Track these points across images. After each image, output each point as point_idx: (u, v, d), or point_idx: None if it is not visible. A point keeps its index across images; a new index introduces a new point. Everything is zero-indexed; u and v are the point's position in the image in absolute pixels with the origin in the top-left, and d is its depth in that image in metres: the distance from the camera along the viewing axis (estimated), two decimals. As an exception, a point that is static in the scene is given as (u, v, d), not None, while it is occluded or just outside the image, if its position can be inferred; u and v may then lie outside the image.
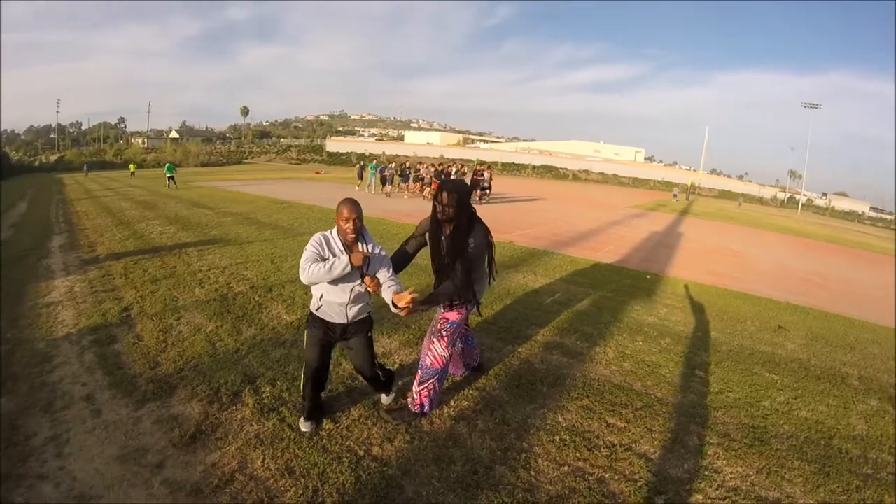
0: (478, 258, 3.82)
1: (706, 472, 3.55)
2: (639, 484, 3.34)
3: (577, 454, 3.61)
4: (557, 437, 3.80)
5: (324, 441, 3.55)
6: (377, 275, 3.48)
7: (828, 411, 4.74)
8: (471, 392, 4.39)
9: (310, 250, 3.40)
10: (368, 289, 3.46)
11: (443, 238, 3.83)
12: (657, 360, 5.50)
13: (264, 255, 9.24)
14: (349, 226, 3.38)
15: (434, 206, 3.79)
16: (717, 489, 3.38)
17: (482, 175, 23.92)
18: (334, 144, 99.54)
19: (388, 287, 3.44)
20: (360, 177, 28.94)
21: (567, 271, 9.51)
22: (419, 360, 4.04)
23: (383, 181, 25.91)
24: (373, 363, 3.81)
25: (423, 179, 24.07)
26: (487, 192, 24.12)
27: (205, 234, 11.52)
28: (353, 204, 3.42)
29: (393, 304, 3.35)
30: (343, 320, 3.61)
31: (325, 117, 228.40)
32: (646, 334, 6.34)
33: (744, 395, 4.86)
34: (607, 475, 3.41)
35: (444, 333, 3.89)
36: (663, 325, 6.84)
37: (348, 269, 3.31)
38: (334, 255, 3.38)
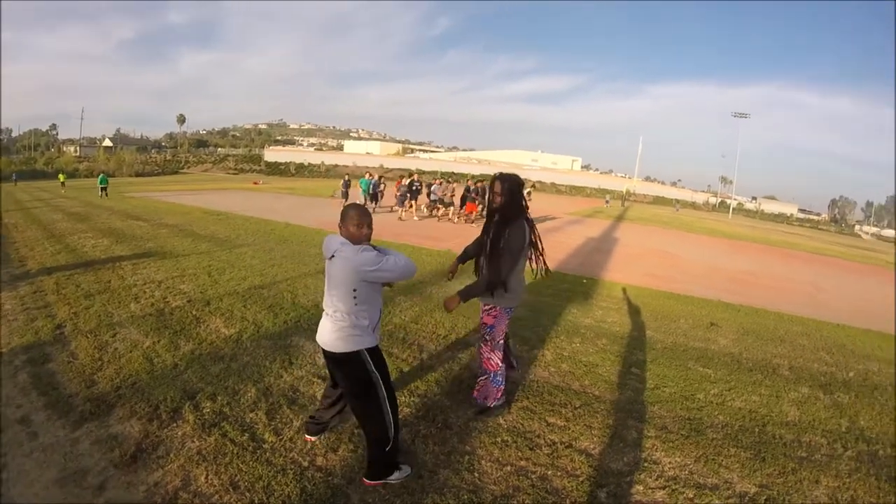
0: (508, 252, 3.81)
1: (646, 464, 3.69)
2: (581, 479, 3.45)
3: (520, 454, 3.70)
4: (499, 439, 3.87)
5: (267, 454, 3.52)
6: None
7: (760, 400, 5.00)
8: (412, 399, 4.43)
9: (373, 252, 3.08)
10: None
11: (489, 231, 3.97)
12: (594, 360, 5.67)
13: (201, 268, 9.04)
14: (366, 231, 3.18)
15: (488, 196, 3.95)
16: (656, 479, 3.52)
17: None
18: (273, 154, 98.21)
19: None
20: (345, 195, 24.02)
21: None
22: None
23: (374, 198, 22.04)
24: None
25: (441, 200, 20.86)
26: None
27: (139, 246, 11.16)
28: (364, 210, 3.26)
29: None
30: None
31: (264, 126, 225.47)
32: (583, 336, 6.51)
33: (679, 389, 5.07)
34: (550, 472, 3.50)
35: (487, 338, 4.06)
36: (599, 326, 7.05)
37: None
38: None
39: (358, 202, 20.30)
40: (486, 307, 4.05)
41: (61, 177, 45.56)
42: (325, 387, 3.89)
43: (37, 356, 5.03)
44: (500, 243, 3.82)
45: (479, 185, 20.65)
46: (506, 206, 3.88)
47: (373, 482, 3.26)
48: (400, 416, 3.99)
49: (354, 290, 3.09)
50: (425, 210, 21.23)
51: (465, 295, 3.87)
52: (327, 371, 3.69)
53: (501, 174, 3.96)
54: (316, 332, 3.34)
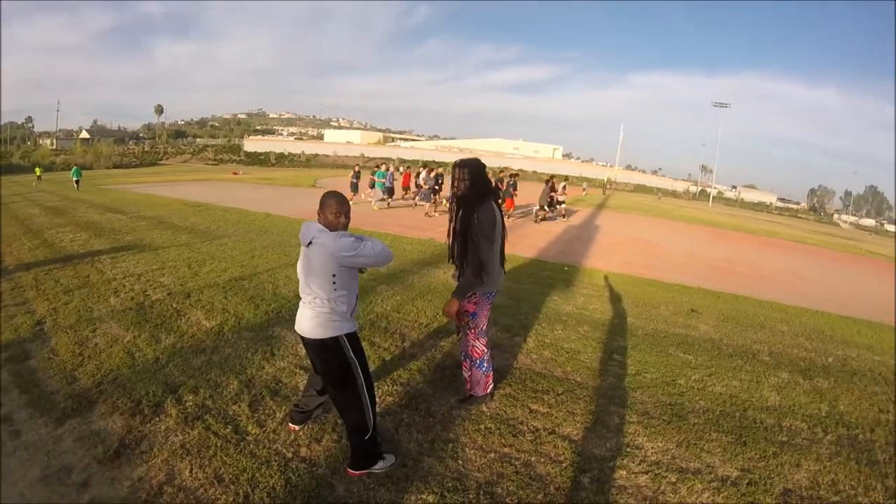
0: (482, 235, 3.80)
1: (628, 449, 3.74)
2: (564, 465, 3.49)
3: (503, 441, 3.73)
4: (483, 426, 3.90)
5: (251, 446, 3.52)
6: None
7: (741, 385, 5.08)
8: (395, 388, 4.44)
9: (351, 239, 3.09)
10: None
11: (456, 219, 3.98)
12: (576, 347, 5.72)
13: (181, 261, 8.97)
14: (343, 220, 3.20)
15: (451, 184, 3.99)
16: (639, 464, 3.57)
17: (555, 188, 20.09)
18: (252, 144, 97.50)
19: None
20: (355, 188, 20.97)
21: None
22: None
23: (390, 192, 20.59)
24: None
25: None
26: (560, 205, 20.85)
27: (118, 240, 11.03)
28: (343, 198, 3.25)
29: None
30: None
31: (243, 116, 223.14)
32: (565, 323, 6.57)
33: (660, 375, 5.13)
34: (533, 458, 3.54)
35: (471, 326, 4.04)
36: (581, 313, 7.10)
37: None
38: None
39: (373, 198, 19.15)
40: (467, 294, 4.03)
41: (38, 170, 44.88)
42: (308, 376, 3.88)
43: (17, 353, 4.97)
44: (473, 228, 3.81)
45: (514, 177, 19.79)
46: (470, 190, 3.89)
47: (356, 472, 3.27)
48: (382, 405, 4.07)
49: (333, 276, 3.10)
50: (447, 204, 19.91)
51: (460, 293, 3.90)
52: (309, 360, 3.67)
53: (460, 160, 3.99)
54: None
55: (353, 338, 3.28)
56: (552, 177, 20.57)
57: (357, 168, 22.15)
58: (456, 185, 3.96)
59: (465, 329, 4.11)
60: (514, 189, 19.05)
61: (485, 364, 4.12)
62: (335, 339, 3.19)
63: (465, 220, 3.89)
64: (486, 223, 3.80)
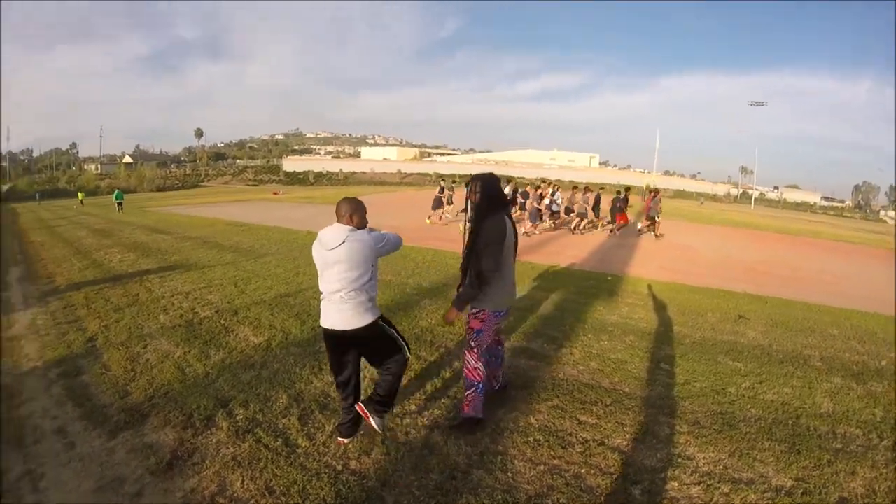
0: (487, 244, 3.76)
1: (679, 460, 3.66)
2: (615, 476, 3.43)
3: (552, 452, 3.69)
4: (531, 438, 3.86)
5: (301, 458, 3.55)
6: None
7: (793, 392, 4.94)
8: (443, 401, 4.43)
9: (370, 235, 3.57)
10: None
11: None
12: (623, 357, 5.63)
13: (227, 279, 9.15)
14: (366, 220, 3.68)
15: (466, 198, 4.06)
16: (691, 475, 3.49)
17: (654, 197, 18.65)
18: (291, 164, 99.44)
19: None
20: (439, 204, 19.89)
21: (529, 277, 9.65)
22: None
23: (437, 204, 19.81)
24: None
25: (570, 209, 18.63)
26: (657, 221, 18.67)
27: (165, 259, 11.33)
28: (361, 202, 3.68)
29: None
30: None
31: (281, 136, 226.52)
32: (610, 333, 6.47)
33: (710, 383, 5.02)
34: (583, 470, 3.49)
35: (473, 344, 3.94)
36: (626, 322, 7.00)
37: None
38: None
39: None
40: (474, 310, 3.93)
41: (80, 195, 46.69)
42: (336, 384, 3.89)
43: (70, 369, 5.14)
44: (480, 238, 3.79)
45: (627, 192, 19.36)
46: (481, 202, 3.88)
47: (381, 414, 3.73)
48: (430, 418, 4.14)
49: (372, 267, 3.56)
50: (548, 221, 18.80)
51: (460, 302, 3.86)
52: (332, 365, 3.78)
53: (475, 175, 4.02)
54: None
55: (382, 317, 3.76)
56: (627, 189, 19.98)
57: (442, 183, 21.51)
58: (471, 197, 3.97)
59: (465, 348, 4.02)
60: (626, 203, 18.63)
61: (481, 387, 4.00)
62: (377, 320, 3.64)
63: (474, 231, 3.88)
64: (492, 234, 3.76)
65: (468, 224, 4.07)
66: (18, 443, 3.81)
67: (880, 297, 10.45)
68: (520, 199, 18.57)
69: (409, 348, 3.87)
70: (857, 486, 3.48)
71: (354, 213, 3.58)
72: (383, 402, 3.75)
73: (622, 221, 18.24)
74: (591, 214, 18.90)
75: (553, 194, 18.58)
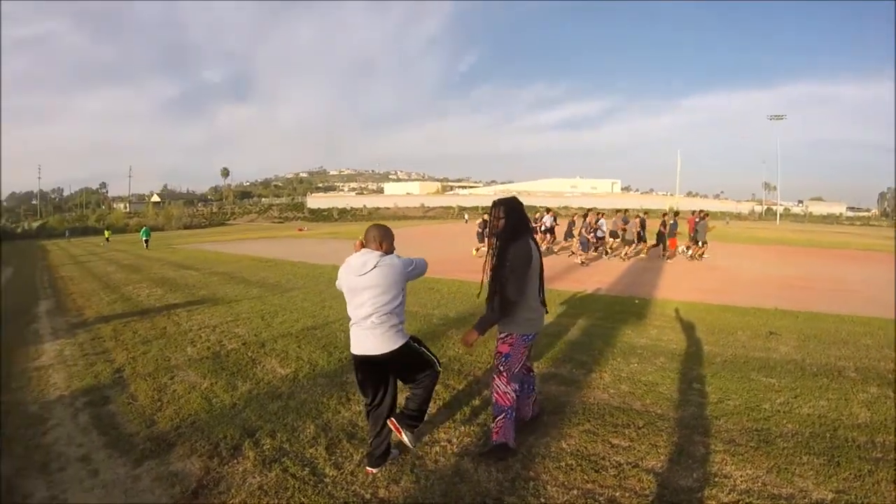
0: (513, 270, 3.73)
1: (716, 479, 3.55)
2: (651, 498, 3.34)
3: (585, 476, 3.59)
4: (563, 463, 3.77)
5: (329, 487, 3.50)
6: None
7: (829, 405, 4.82)
8: (472, 428, 4.37)
9: (402, 260, 3.69)
10: None
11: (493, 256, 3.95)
12: (654, 379, 5.53)
13: (254, 312, 9.22)
14: (394, 246, 3.80)
15: (489, 223, 4.02)
16: (728, 493, 3.38)
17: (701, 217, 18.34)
18: (315, 201, 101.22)
19: None
20: (482, 238, 18.64)
21: (556, 304, 9.54)
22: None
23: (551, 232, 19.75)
24: None
25: (615, 234, 18.41)
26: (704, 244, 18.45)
27: (192, 294, 11.48)
28: (389, 229, 3.85)
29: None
30: None
31: (305, 174, 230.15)
32: (639, 356, 6.38)
33: (743, 401, 4.91)
34: (618, 493, 3.39)
35: (502, 368, 3.89)
36: (656, 345, 6.89)
37: None
38: None
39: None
40: (502, 335, 3.91)
41: (107, 233, 48.15)
42: (365, 412, 3.88)
43: (97, 398, 5.20)
44: (505, 263, 3.76)
45: (676, 218, 19.17)
46: (505, 227, 3.86)
47: (412, 428, 3.76)
48: (459, 445, 4.08)
49: (402, 291, 3.65)
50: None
51: (482, 326, 3.80)
52: (364, 390, 3.80)
53: (498, 199, 4.01)
54: None
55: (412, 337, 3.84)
56: (676, 213, 19.73)
57: (485, 218, 20.01)
58: (493, 223, 3.94)
59: (494, 373, 3.96)
60: (677, 228, 18.49)
61: (511, 412, 3.92)
62: (408, 342, 3.71)
63: (499, 256, 3.84)
64: (518, 259, 3.74)
65: (492, 249, 3.98)
66: (43, 468, 3.83)
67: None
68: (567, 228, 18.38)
69: (439, 362, 3.91)
70: None
71: (384, 240, 3.68)
72: (414, 417, 3.79)
73: (673, 248, 18.18)
74: (635, 239, 18.61)
75: (597, 221, 18.39)
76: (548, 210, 20.58)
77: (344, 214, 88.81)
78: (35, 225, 78.35)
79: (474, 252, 18.65)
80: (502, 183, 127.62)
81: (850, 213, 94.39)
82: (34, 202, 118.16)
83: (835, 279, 14.15)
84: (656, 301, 10.21)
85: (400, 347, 3.61)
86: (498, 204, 3.96)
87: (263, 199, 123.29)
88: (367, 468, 3.70)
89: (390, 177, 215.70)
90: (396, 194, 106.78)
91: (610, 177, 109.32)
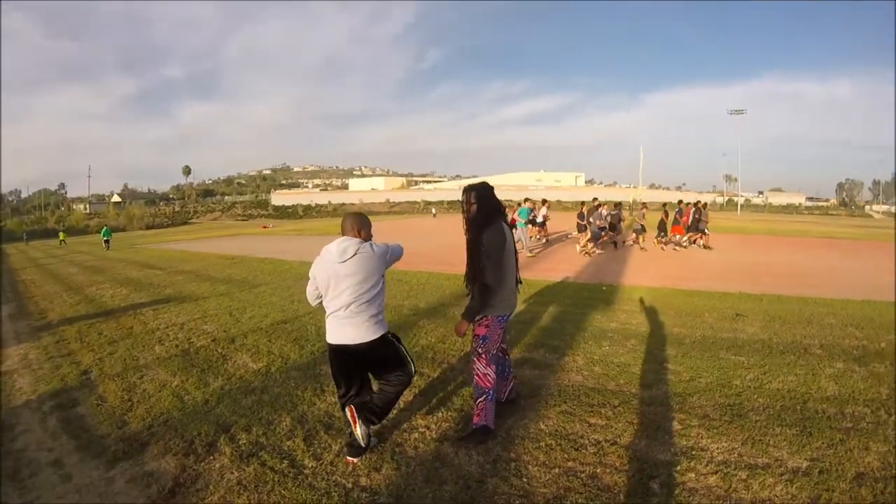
0: (488, 254, 3.75)
1: (693, 452, 3.63)
2: (631, 473, 3.39)
3: (566, 455, 3.63)
4: (543, 443, 3.81)
5: (309, 479, 3.46)
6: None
7: (797, 380, 4.97)
8: (449, 413, 4.38)
9: (382, 247, 3.68)
10: None
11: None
12: (626, 361, 5.61)
13: (222, 309, 9.10)
14: (372, 234, 3.77)
15: (461, 209, 3.99)
16: (707, 465, 3.46)
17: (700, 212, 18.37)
18: (280, 198, 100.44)
19: None
20: (585, 228, 17.93)
21: (526, 293, 9.58)
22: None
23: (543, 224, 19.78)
24: None
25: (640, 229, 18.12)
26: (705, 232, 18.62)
27: (158, 293, 11.27)
28: (366, 216, 3.80)
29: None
30: None
31: (268, 171, 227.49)
32: (611, 339, 6.46)
33: (714, 378, 5.02)
34: (598, 470, 3.43)
35: (480, 350, 3.92)
36: (626, 328, 6.99)
37: None
38: None
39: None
40: (478, 317, 3.93)
41: (61, 235, 47.10)
42: (340, 404, 3.85)
43: (65, 401, 5.07)
44: (480, 248, 3.78)
45: (699, 205, 18.53)
46: (478, 212, 3.87)
47: (368, 423, 3.66)
48: (438, 430, 4.09)
49: (382, 278, 3.63)
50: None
51: (469, 314, 3.84)
52: (338, 380, 3.76)
53: (469, 185, 3.99)
54: None
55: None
56: (696, 203, 19.04)
57: (595, 203, 19.09)
58: (465, 208, 3.94)
59: (473, 355, 3.99)
60: (682, 216, 18.29)
61: (492, 394, 3.95)
62: (386, 334, 3.70)
63: (473, 241, 3.85)
64: (493, 244, 3.76)
65: (468, 235, 3.96)
66: (14, 476, 3.71)
67: (873, 285, 10.60)
68: (578, 222, 17.87)
69: (414, 366, 3.86)
70: (871, 461, 3.49)
71: (362, 228, 3.66)
72: (375, 413, 3.73)
73: (676, 234, 18.24)
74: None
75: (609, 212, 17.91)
76: (544, 202, 20.52)
77: (309, 211, 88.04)
78: (-8, 228, 76.06)
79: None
80: (467, 177, 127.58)
81: (810, 203, 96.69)
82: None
83: (795, 264, 14.53)
84: (623, 287, 10.34)
85: (379, 338, 3.59)
86: (469, 189, 3.95)
87: (227, 197, 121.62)
88: (348, 458, 3.68)
89: (355, 172, 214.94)
90: (361, 190, 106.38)
91: (573, 170, 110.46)
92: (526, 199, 19.07)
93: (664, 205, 19.01)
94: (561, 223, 22.02)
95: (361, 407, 3.64)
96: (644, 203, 19.11)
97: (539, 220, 18.99)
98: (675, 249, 18.01)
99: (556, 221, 21.81)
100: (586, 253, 16.32)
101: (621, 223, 18.35)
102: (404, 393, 4.07)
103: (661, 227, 18.46)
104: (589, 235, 16.60)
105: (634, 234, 18.39)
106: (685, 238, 18.50)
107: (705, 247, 18.34)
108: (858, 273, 13.00)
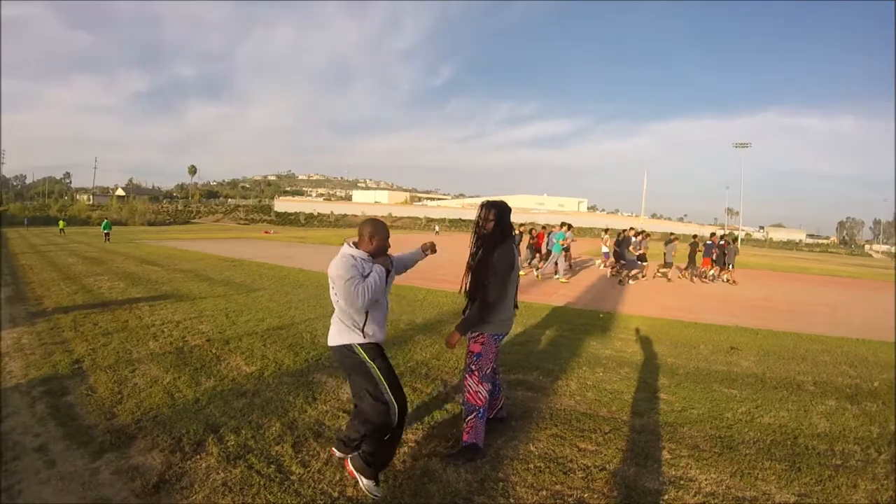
0: (496, 274, 3.79)
1: (682, 482, 3.62)
2: (618, 500, 3.38)
3: (554, 478, 3.62)
4: (532, 465, 3.80)
5: (295, 485, 3.44)
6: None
7: (789, 416, 4.98)
8: (440, 430, 4.37)
9: (351, 272, 3.26)
10: None
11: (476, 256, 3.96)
12: (619, 388, 5.61)
13: (219, 310, 9.09)
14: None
15: (475, 222, 4.00)
16: (694, 495, 3.45)
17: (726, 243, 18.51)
18: (283, 204, 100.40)
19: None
20: (621, 257, 17.29)
21: (523, 315, 9.57)
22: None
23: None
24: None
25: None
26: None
27: (155, 289, 11.27)
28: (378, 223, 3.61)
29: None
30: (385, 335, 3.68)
31: (273, 177, 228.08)
32: (605, 366, 6.46)
33: (706, 410, 5.03)
34: (586, 495, 3.42)
35: (473, 367, 3.93)
36: (620, 356, 6.99)
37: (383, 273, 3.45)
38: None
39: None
40: (473, 334, 3.94)
41: (61, 223, 47.14)
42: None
43: (55, 388, 5.06)
44: (489, 265, 3.81)
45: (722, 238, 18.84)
46: (494, 230, 3.90)
47: (342, 450, 3.66)
48: (429, 448, 4.06)
49: (337, 294, 3.40)
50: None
51: (464, 327, 3.88)
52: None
53: (489, 201, 4.02)
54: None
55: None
56: (724, 236, 19.26)
57: (627, 233, 18.74)
58: (481, 223, 3.97)
59: (466, 372, 4.01)
60: (714, 249, 18.25)
61: (483, 412, 3.95)
62: (352, 346, 3.45)
63: (484, 258, 3.87)
64: (502, 264, 3.81)
65: (478, 250, 3.99)
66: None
67: (870, 324, 10.67)
68: (615, 249, 17.64)
69: (396, 412, 3.41)
70: (859, 498, 3.51)
71: (374, 236, 3.47)
72: (343, 442, 3.69)
73: (706, 267, 18.27)
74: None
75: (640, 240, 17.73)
76: (569, 227, 19.11)
77: (311, 220, 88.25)
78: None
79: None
80: (470, 196, 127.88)
81: (810, 240, 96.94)
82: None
83: (794, 300, 14.58)
84: (621, 315, 10.36)
85: (339, 346, 3.46)
86: (490, 206, 3.97)
87: (230, 200, 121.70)
88: (333, 448, 3.77)
89: (359, 184, 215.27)
90: (365, 202, 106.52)
91: (578, 195, 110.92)
92: (631, 228, 18.64)
93: (694, 236, 18.89)
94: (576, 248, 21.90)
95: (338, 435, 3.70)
96: (647, 232, 18.87)
97: (638, 252, 17.63)
98: (703, 281, 18.08)
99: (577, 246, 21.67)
100: (619, 280, 16.44)
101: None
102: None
103: (692, 259, 18.35)
104: (623, 263, 16.73)
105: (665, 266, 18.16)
106: (714, 271, 18.49)
107: (730, 281, 18.31)
108: (856, 311, 13.07)
